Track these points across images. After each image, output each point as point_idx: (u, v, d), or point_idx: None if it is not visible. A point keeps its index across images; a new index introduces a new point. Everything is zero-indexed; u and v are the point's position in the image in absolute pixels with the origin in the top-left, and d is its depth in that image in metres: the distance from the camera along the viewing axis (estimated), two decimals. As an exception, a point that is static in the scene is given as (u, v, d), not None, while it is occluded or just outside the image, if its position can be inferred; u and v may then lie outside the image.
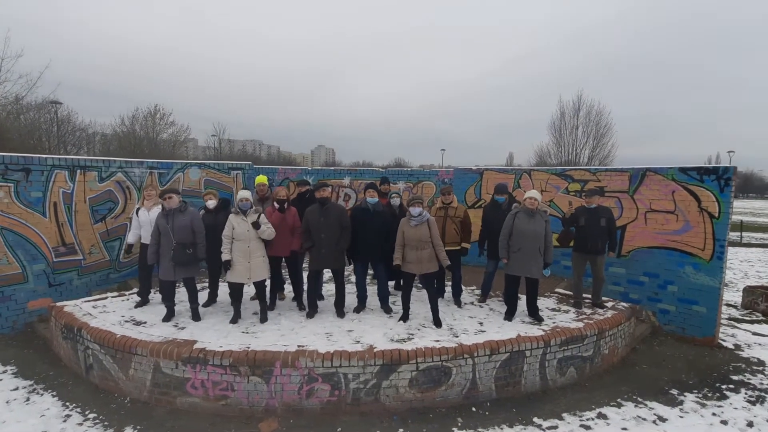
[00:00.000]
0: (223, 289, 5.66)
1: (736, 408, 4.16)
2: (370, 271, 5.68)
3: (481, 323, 5.02)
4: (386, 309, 5.37)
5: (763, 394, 4.48)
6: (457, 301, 5.80)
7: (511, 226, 5.04)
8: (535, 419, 3.91)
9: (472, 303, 5.90)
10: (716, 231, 5.82)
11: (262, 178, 6.06)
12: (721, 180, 5.81)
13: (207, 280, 5.79)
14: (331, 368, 3.99)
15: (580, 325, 4.82)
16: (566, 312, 5.41)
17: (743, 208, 60.28)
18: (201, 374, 4.05)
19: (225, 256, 4.80)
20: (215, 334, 4.54)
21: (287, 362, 3.97)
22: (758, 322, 7.46)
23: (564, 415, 3.98)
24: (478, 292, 6.25)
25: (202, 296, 5.54)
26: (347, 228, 5.11)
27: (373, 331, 4.66)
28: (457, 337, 4.50)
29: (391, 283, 6.11)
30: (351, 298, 5.54)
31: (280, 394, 4.01)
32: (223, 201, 5.45)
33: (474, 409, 4.09)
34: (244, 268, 4.82)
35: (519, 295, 5.29)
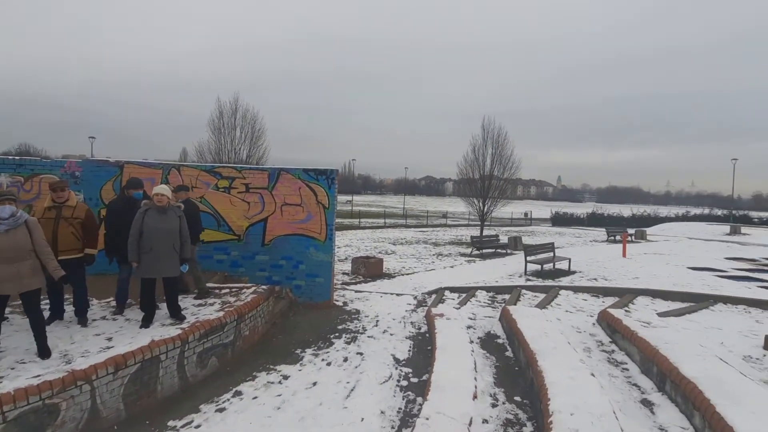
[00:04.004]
0: None
1: (337, 350, 5.43)
2: None
3: (110, 339, 4.31)
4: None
5: (356, 334, 6.05)
6: (82, 320, 4.76)
7: (140, 225, 4.57)
8: (170, 422, 3.71)
9: (104, 317, 4.99)
10: (328, 218, 7.40)
11: None
12: (329, 179, 7.43)
13: None
14: None
15: (221, 314, 4.98)
16: (212, 304, 5.47)
17: (362, 201, 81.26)
18: None
19: None
20: None
21: None
22: (360, 282, 10.13)
23: (202, 406, 3.98)
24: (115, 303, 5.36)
25: None
26: None
27: None
28: (70, 363, 3.67)
29: None
30: None
31: None
32: None
33: (96, 439, 3.45)
34: None
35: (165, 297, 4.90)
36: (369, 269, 10.51)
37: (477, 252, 17.15)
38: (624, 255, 15.02)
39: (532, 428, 3.51)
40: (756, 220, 39.48)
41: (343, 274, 11.03)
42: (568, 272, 11.69)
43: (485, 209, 22.70)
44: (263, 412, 3.83)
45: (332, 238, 7.39)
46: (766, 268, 12.64)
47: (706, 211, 47.92)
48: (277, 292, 6.88)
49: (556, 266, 12.31)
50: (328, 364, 4.98)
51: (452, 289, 9.08)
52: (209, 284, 6.48)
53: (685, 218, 41.30)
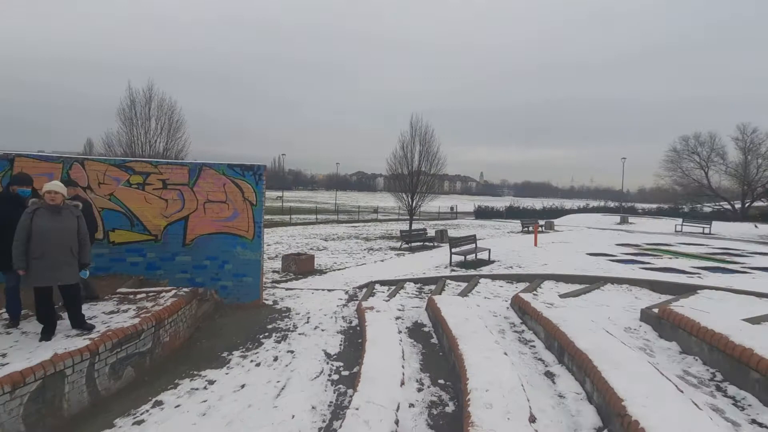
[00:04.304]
0: None
1: (267, 350, 5.32)
2: None
3: (4, 355, 3.80)
4: None
5: (287, 332, 5.97)
6: (-36, 336, 4.13)
7: (28, 227, 4.04)
8: (80, 441, 3.40)
9: (-8, 332, 4.37)
10: (255, 215, 7.17)
11: None
12: (256, 175, 7.19)
13: None
14: None
15: (137, 321, 4.62)
16: (126, 311, 5.04)
17: (293, 197, 79.23)
18: None
19: None
20: None
21: None
22: (291, 280, 9.96)
23: (117, 420, 3.69)
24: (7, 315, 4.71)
25: None
26: None
27: None
28: (-49, 386, 3.18)
29: None
30: None
31: None
32: None
33: (-14, 470, 3.04)
34: None
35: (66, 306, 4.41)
36: (300, 266, 10.36)
37: (406, 245, 17.70)
38: (536, 244, 16.48)
39: (453, 407, 3.77)
40: (640, 210, 45.49)
41: (273, 272, 10.76)
42: (488, 261, 12.56)
43: (414, 204, 23.47)
44: (187, 420, 3.66)
45: (260, 236, 7.18)
46: (646, 252, 14.68)
47: (602, 203, 54.15)
48: (201, 294, 6.53)
49: (478, 256, 13.16)
50: (258, 364, 4.86)
51: (382, 283, 9.31)
52: (122, 289, 5.96)
53: (585, 210, 46.29)
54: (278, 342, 5.58)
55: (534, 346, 4.78)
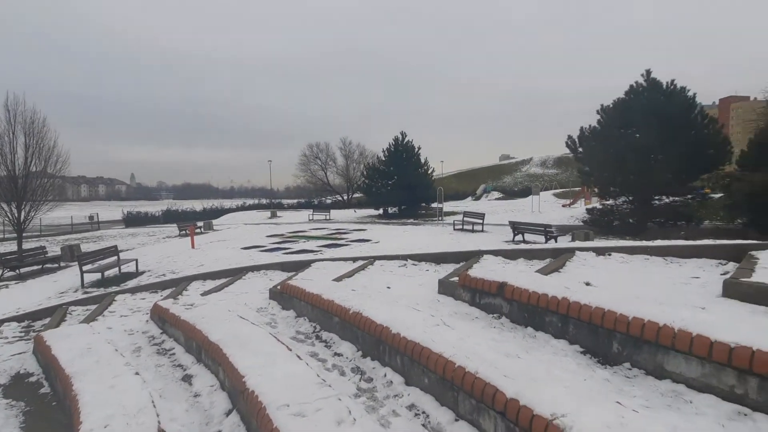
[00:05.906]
0: None
1: None
2: None
3: None
4: None
5: None
6: None
7: None
8: None
9: None
10: None
11: None
12: None
13: None
14: None
15: None
16: None
17: None
18: None
19: None
20: None
21: None
22: None
23: None
24: None
25: None
26: None
27: None
28: None
29: None
30: None
31: None
32: None
33: None
34: None
35: None
36: None
37: (12, 273, 12.64)
38: (193, 246, 15.77)
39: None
40: (286, 205, 52.67)
41: None
42: (136, 274, 10.88)
43: (24, 216, 17.06)
44: None
45: None
46: (288, 239, 17.14)
47: (257, 201, 58.91)
48: None
49: (123, 270, 11.17)
50: None
51: (-47, 336, 6.15)
52: None
53: (243, 208, 48.84)
54: None
55: (174, 354, 4.49)
